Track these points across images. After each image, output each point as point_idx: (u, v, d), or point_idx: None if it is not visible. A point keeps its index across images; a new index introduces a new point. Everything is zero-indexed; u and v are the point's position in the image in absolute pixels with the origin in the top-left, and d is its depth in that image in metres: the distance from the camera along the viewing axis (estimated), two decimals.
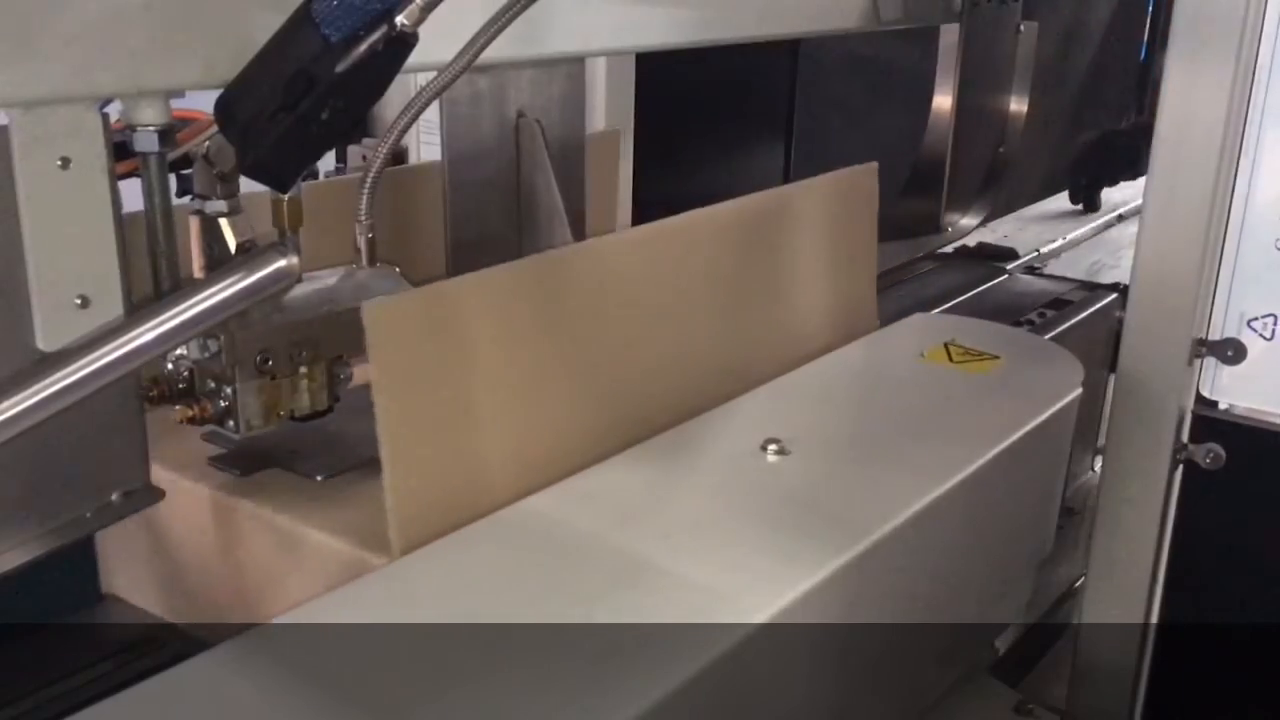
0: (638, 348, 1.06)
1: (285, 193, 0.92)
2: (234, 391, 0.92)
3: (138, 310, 0.81)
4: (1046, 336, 1.62)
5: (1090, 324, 1.74)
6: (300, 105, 0.75)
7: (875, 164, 1.33)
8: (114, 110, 0.81)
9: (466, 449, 0.90)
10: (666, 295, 1.09)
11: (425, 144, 1.81)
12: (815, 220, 1.26)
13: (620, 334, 1.04)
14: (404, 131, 0.90)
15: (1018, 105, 2.27)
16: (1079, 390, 1.19)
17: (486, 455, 0.91)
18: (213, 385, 0.93)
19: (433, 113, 1.16)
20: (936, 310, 1.70)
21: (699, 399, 1.09)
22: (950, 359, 1.24)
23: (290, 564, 0.93)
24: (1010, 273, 1.98)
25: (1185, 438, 1.16)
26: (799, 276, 1.25)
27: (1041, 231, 2.25)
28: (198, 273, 0.92)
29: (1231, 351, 1.12)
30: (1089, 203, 2.41)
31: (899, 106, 2.28)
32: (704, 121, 2.03)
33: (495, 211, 1.31)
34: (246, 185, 0.89)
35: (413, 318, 0.86)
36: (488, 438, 0.91)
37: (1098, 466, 1.62)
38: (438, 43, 0.80)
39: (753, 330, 1.19)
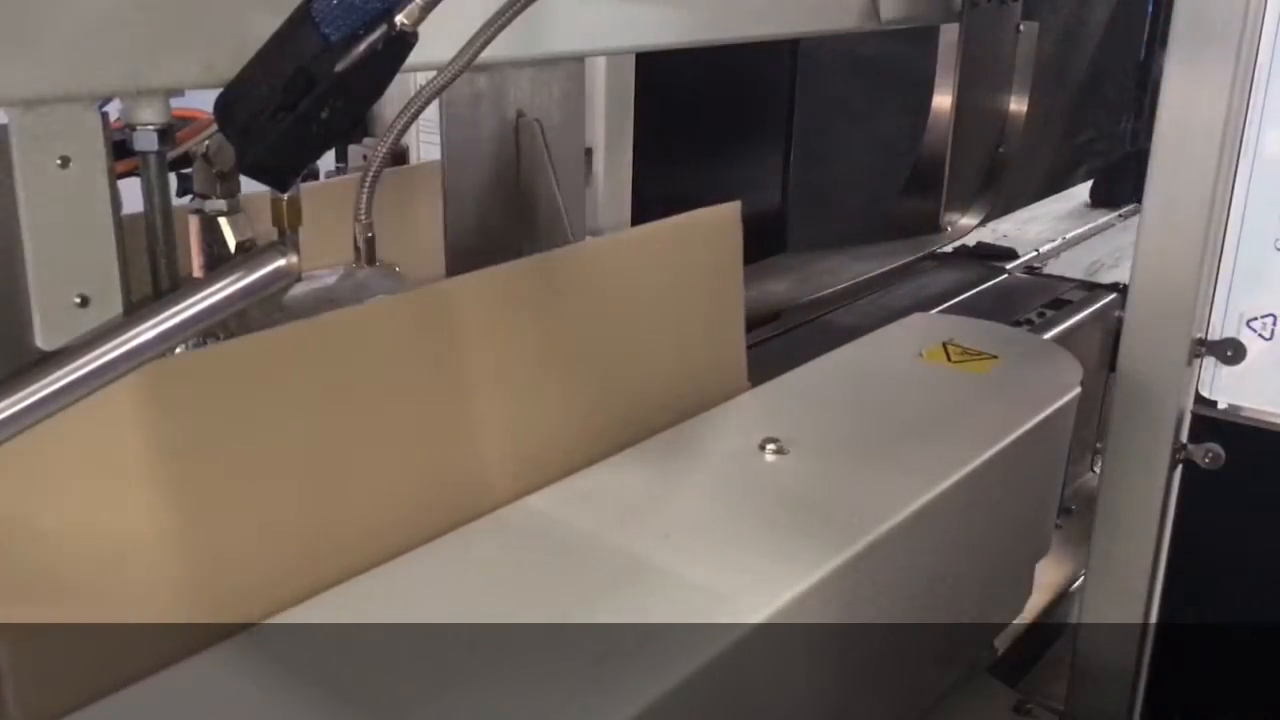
0: (406, 436, 0.84)
1: (285, 192, 0.93)
2: None
3: (137, 309, 0.81)
4: (1045, 336, 1.62)
5: (1089, 324, 1.75)
6: (300, 104, 0.75)
7: (738, 203, 1.13)
8: (113, 109, 0.81)
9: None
10: (459, 364, 0.89)
11: (425, 143, 1.81)
12: (667, 269, 1.07)
13: (373, 421, 0.83)
14: (403, 131, 0.90)
15: (1017, 105, 2.27)
16: (1078, 390, 1.19)
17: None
18: None
19: (432, 112, 1.16)
20: (935, 310, 1.71)
21: (509, 484, 0.92)
22: (949, 359, 1.24)
23: None
24: (1009, 272, 1.98)
25: (1184, 437, 1.16)
26: (647, 334, 1.06)
27: (1042, 230, 2.25)
28: (197, 272, 0.92)
29: (1231, 351, 1.12)
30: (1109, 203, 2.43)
31: (899, 106, 2.28)
32: (703, 121, 2.03)
33: (494, 212, 1.31)
34: (246, 185, 0.89)
35: None
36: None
37: (1097, 466, 1.62)
38: (437, 42, 0.80)
39: (583, 400, 0.99)
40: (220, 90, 0.79)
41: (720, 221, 1.11)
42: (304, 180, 0.93)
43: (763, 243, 2.11)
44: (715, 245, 1.12)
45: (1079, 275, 1.97)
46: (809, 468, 0.99)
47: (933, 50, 2.12)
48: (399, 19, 0.75)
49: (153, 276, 0.87)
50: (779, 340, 1.62)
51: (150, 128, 0.81)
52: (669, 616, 0.78)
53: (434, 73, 0.87)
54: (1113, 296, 1.82)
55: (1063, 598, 1.61)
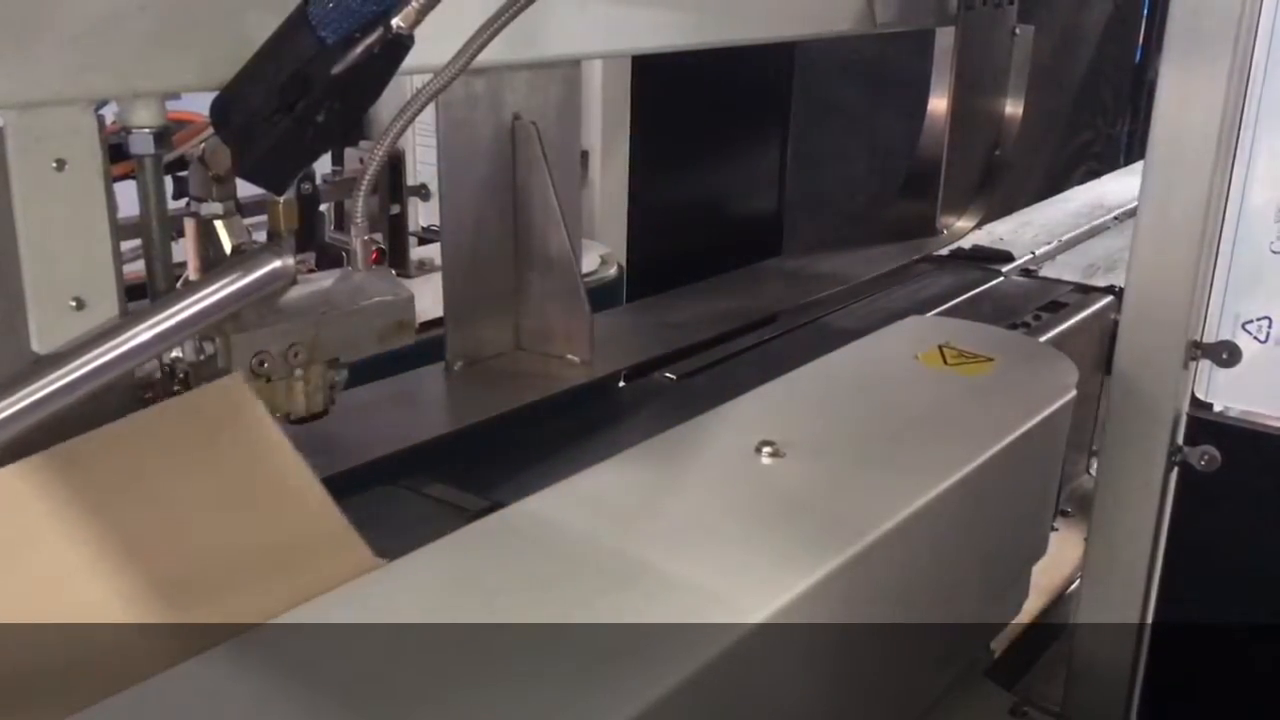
0: None
1: (281, 195, 0.93)
2: None
3: (133, 311, 0.81)
4: (1041, 339, 1.62)
5: (1085, 326, 1.75)
6: (296, 107, 0.75)
7: (239, 373, 0.89)
8: (109, 112, 0.81)
9: None
10: None
11: (421, 146, 1.81)
12: (178, 458, 0.84)
13: None
14: (400, 134, 0.90)
15: (1013, 108, 2.27)
16: (1073, 393, 1.19)
17: None
18: None
19: (429, 115, 1.16)
20: (931, 312, 1.71)
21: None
22: (945, 361, 1.24)
23: None
24: (1005, 275, 1.99)
25: (1180, 440, 1.16)
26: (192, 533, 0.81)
27: (1037, 234, 2.25)
28: (193, 275, 0.92)
29: (1226, 354, 1.12)
30: None
31: (894, 108, 2.28)
32: (700, 124, 2.03)
33: (491, 214, 1.31)
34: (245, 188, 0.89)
35: None
36: None
37: (1093, 469, 1.62)
38: (434, 45, 0.81)
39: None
40: (216, 93, 0.79)
41: (230, 399, 0.88)
42: (300, 184, 0.93)
43: (759, 245, 2.12)
44: (237, 424, 0.89)
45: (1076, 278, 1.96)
46: (805, 470, 1.00)
47: (929, 52, 2.13)
48: (395, 22, 0.75)
49: (149, 279, 0.87)
50: (775, 343, 1.62)
51: (146, 131, 0.82)
52: (669, 617, 0.78)
53: (430, 76, 0.88)
54: (1108, 299, 1.82)
55: (1059, 600, 1.61)
